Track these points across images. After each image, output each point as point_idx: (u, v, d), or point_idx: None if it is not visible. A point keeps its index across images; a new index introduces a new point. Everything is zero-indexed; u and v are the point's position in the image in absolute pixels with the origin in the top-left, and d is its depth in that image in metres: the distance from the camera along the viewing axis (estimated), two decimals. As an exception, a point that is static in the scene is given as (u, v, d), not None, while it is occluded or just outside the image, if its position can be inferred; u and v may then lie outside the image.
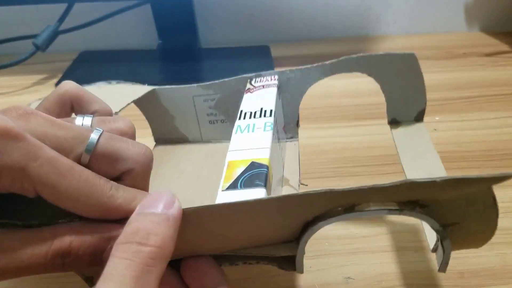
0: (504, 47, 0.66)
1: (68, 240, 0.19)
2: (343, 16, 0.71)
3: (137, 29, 0.70)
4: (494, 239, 0.21)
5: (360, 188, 0.19)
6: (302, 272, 0.23)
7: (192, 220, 0.20)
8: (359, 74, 0.33)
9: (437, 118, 0.49)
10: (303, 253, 0.22)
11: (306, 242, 0.21)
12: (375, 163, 0.42)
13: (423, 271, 0.31)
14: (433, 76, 0.58)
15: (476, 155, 0.42)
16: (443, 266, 0.23)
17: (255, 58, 0.63)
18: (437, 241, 0.23)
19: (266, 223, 0.21)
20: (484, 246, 0.21)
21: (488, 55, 0.64)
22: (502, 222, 0.20)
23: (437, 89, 0.55)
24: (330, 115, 0.50)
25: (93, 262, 0.20)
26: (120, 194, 0.20)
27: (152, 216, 0.18)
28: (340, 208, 0.20)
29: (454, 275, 0.30)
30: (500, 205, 0.20)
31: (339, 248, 0.33)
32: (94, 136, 0.20)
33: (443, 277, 0.30)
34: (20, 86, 0.60)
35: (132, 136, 0.23)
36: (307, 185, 0.35)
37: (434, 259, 0.31)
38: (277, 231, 0.22)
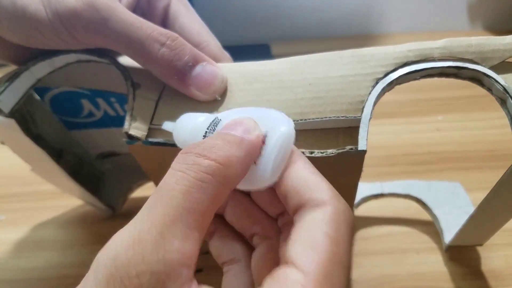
0: (507, 45, 0.66)
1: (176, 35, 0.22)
2: (345, 14, 0.71)
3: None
4: (497, 240, 0.21)
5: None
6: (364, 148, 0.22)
7: None
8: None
9: (440, 118, 0.49)
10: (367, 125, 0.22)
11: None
12: (377, 163, 0.42)
13: (426, 273, 0.30)
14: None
15: (480, 155, 0.42)
16: None
17: (255, 56, 0.63)
18: None
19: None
20: (488, 247, 0.21)
21: (491, 53, 0.63)
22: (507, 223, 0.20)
23: (440, 88, 0.54)
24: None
25: None
26: None
27: (225, 135, 0.17)
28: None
29: (457, 277, 0.30)
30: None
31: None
32: None
33: (445, 278, 0.30)
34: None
35: None
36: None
37: (435, 261, 0.31)
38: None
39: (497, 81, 0.22)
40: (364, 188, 0.36)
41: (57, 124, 0.34)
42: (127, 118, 0.23)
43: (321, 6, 0.70)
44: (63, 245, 0.35)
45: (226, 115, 0.19)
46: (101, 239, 0.35)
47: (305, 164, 0.17)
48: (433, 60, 0.23)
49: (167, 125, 0.22)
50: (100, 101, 0.32)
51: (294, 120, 0.21)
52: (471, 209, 0.33)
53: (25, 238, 0.36)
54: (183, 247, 0.14)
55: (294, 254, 0.14)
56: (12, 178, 0.43)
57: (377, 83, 0.23)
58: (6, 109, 0.25)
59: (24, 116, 0.29)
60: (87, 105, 0.33)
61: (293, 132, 0.18)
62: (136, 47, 0.21)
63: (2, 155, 0.47)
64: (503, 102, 0.23)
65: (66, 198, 0.40)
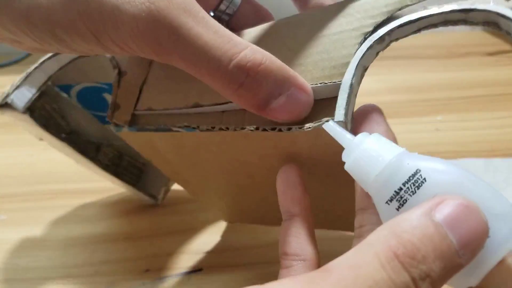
0: (506, 46, 0.66)
1: (260, 58, 0.18)
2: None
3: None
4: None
5: None
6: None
7: None
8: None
9: (439, 118, 0.49)
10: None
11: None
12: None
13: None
14: (435, 75, 0.58)
15: (479, 155, 0.42)
16: None
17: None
18: None
19: None
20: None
21: (491, 54, 0.63)
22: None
23: (439, 88, 0.54)
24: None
25: None
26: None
27: (440, 241, 0.13)
28: None
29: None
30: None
31: (339, 249, 0.32)
32: None
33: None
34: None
35: None
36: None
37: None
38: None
39: None
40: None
41: (92, 119, 0.35)
42: (110, 105, 0.23)
43: (320, 7, 0.70)
44: (64, 245, 0.35)
45: (432, 172, 0.15)
46: (102, 239, 0.35)
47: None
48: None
49: (337, 132, 0.17)
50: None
51: None
52: None
53: (25, 238, 0.36)
54: None
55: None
56: (13, 178, 0.43)
57: (365, 39, 0.19)
58: (21, 105, 0.27)
59: (50, 113, 0.30)
60: (110, 99, 0.33)
61: None
62: (208, 79, 0.19)
63: (2, 155, 0.47)
64: None
65: (66, 198, 0.40)
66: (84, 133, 0.33)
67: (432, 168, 0.15)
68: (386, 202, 0.15)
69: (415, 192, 0.15)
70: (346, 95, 0.18)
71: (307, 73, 0.20)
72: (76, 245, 0.35)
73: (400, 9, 0.19)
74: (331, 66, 0.19)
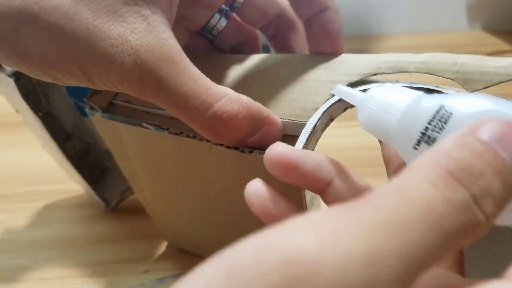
0: (506, 46, 0.66)
1: (236, 108, 0.19)
2: (344, 14, 0.71)
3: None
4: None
5: None
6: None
7: None
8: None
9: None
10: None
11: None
12: (376, 163, 0.42)
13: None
14: (434, 77, 0.57)
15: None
16: None
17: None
18: None
19: None
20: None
21: (490, 54, 0.63)
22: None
23: (439, 88, 0.54)
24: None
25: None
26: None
27: (493, 158, 0.12)
28: None
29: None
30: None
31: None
32: None
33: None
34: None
35: None
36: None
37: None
38: None
39: None
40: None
41: (72, 108, 0.35)
42: (91, 89, 0.24)
43: (320, 7, 0.70)
44: (63, 245, 0.35)
45: (456, 104, 0.13)
46: (102, 239, 0.36)
47: None
48: (404, 78, 0.20)
49: (346, 92, 0.17)
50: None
51: None
52: None
53: (25, 238, 0.36)
54: None
55: None
56: (12, 178, 0.43)
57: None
58: (8, 69, 0.27)
59: (34, 86, 0.30)
60: None
61: None
62: (187, 122, 0.20)
63: (2, 155, 0.47)
64: None
65: (66, 198, 0.40)
66: (60, 119, 0.33)
67: (456, 101, 0.13)
68: (414, 148, 0.14)
69: (443, 128, 0.13)
70: (307, 134, 0.19)
71: (280, 108, 0.21)
72: (75, 245, 0.35)
73: (375, 75, 0.21)
74: (301, 108, 0.21)
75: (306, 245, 0.10)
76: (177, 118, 0.20)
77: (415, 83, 0.20)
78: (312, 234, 0.10)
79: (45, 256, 0.34)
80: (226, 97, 0.20)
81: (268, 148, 0.17)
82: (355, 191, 0.17)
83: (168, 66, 0.19)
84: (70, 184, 0.40)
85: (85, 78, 0.19)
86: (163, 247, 0.34)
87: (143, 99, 0.20)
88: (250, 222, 0.24)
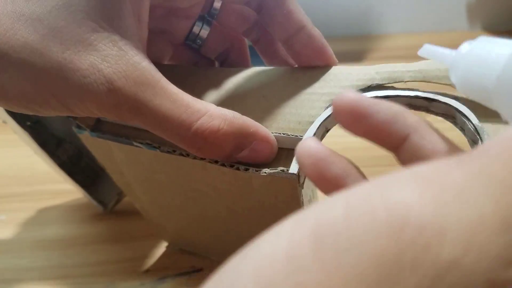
0: (506, 46, 0.66)
1: (217, 124, 0.19)
2: (344, 14, 0.71)
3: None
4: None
5: None
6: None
7: None
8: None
9: (439, 118, 0.49)
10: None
11: None
12: (378, 163, 0.42)
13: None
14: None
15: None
16: None
17: (255, 56, 0.63)
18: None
19: None
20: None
21: (490, 54, 0.63)
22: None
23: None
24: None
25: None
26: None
27: None
28: None
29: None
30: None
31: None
32: None
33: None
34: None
35: None
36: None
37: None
38: None
39: (469, 119, 0.18)
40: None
41: None
42: None
43: (320, 6, 0.70)
44: (63, 245, 0.35)
45: None
46: (102, 239, 0.35)
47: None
48: (401, 88, 0.20)
49: (434, 51, 0.15)
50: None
51: None
52: None
53: (25, 238, 0.36)
54: None
55: None
56: (12, 178, 0.43)
57: (331, 104, 0.20)
58: None
59: None
60: None
61: None
62: (170, 140, 0.20)
63: (2, 155, 0.47)
64: (473, 145, 0.18)
65: (66, 198, 0.40)
66: (49, 125, 0.33)
67: None
68: None
69: None
70: None
71: (274, 122, 0.21)
72: (75, 245, 0.35)
73: (369, 86, 0.20)
74: (296, 121, 0.20)
75: (420, 203, 0.08)
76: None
77: (411, 90, 0.20)
78: (425, 190, 0.09)
79: (44, 256, 0.34)
80: (207, 113, 0.19)
81: (337, 95, 0.15)
82: (438, 150, 0.15)
83: (144, 90, 0.19)
84: (70, 184, 0.40)
85: (64, 109, 0.19)
86: (163, 247, 0.34)
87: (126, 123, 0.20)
88: (251, 223, 0.24)
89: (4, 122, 0.33)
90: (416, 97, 0.19)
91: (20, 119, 0.30)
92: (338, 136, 0.48)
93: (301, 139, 0.20)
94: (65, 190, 0.41)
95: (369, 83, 0.20)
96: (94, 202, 0.37)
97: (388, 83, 0.20)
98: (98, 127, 0.24)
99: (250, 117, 0.21)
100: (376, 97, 0.19)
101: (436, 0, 0.70)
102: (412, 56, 0.21)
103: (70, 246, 0.35)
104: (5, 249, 0.35)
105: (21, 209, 0.39)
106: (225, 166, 0.21)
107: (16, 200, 0.41)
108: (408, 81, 0.20)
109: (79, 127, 0.24)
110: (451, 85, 0.18)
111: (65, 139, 0.34)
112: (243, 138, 0.20)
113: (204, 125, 0.19)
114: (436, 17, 0.72)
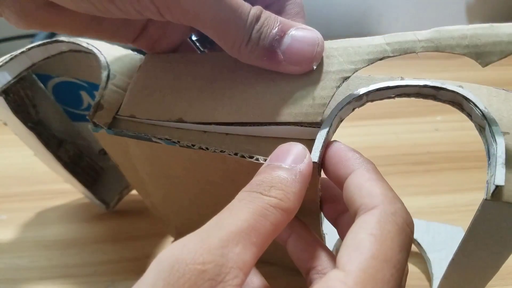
0: (506, 46, 0.66)
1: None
2: (344, 14, 0.71)
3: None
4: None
5: None
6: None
7: None
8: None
9: (438, 118, 0.49)
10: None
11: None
12: (377, 163, 0.42)
13: (419, 272, 0.30)
14: (434, 75, 0.58)
15: (478, 155, 0.42)
16: None
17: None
18: None
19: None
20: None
21: (490, 54, 0.63)
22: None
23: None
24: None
25: None
26: None
27: (278, 170, 0.17)
28: None
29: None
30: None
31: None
32: None
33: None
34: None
35: None
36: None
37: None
38: None
39: (476, 105, 0.19)
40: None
41: (61, 114, 0.34)
42: (94, 105, 0.24)
43: (320, 6, 0.70)
44: (64, 244, 0.35)
45: None
46: (102, 239, 0.35)
47: (363, 172, 0.18)
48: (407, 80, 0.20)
49: None
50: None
51: (250, 124, 0.21)
52: None
53: (26, 238, 0.36)
54: (243, 253, 0.15)
55: (339, 258, 0.15)
56: (13, 178, 0.43)
57: (343, 82, 0.20)
58: None
59: (22, 99, 0.30)
60: (86, 97, 0.33)
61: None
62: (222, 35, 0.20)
63: (2, 155, 0.47)
64: (481, 130, 0.20)
65: (66, 198, 0.40)
66: (50, 126, 0.33)
67: None
68: None
69: None
70: (322, 140, 0.19)
71: (286, 107, 0.20)
72: (76, 245, 0.35)
73: (381, 59, 0.20)
74: (308, 105, 0.20)
75: None
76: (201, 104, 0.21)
77: (420, 79, 0.20)
78: None
79: (45, 256, 0.34)
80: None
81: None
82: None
83: None
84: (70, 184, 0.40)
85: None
86: (163, 246, 0.34)
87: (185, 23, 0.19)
88: None
89: (5, 124, 0.33)
90: (425, 86, 0.19)
91: (23, 119, 0.30)
92: (338, 137, 0.48)
93: (318, 129, 0.19)
94: (65, 190, 0.41)
95: (380, 56, 0.20)
96: (97, 202, 0.37)
97: (400, 55, 0.20)
98: (115, 124, 0.24)
99: (262, 104, 0.20)
100: (388, 86, 0.19)
101: (436, 0, 0.71)
102: (412, 56, 0.21)
103: (71, 246, 0.35)
104: (5, 249, 0.35)
105: (22, 209, 0.39)
106: (244, 157, 0.20)
107: (17, 200, 0.41)
108: (420, 52, 0.19)
109: (95, 125, 0.24)
110: (465, 55, 0.18)
111: (66, 140, 0.34)
112: (281, 23, 0.20)
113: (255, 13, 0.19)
114: (435, 17, 0.72)
